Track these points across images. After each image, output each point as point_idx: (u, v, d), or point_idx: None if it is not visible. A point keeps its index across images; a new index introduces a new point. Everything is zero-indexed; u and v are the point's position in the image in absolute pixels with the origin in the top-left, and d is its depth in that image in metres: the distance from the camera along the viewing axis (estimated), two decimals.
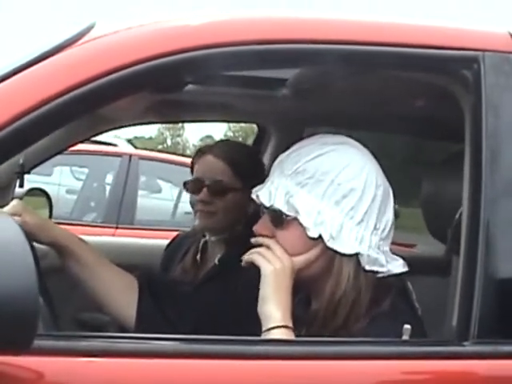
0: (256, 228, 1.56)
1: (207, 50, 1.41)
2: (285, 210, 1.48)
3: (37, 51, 1.40)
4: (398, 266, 1.50)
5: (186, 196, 7.24)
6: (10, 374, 1.11)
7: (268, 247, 1.50)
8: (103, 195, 6.30)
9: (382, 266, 1.47)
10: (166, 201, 7.51)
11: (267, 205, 1.51)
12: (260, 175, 2.13)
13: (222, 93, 2.42)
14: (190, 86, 2.21)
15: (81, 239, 1.78)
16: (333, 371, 1.34)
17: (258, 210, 2.15)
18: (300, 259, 1.49)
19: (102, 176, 6.56)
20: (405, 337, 1.38)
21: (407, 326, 1.38)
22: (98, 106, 1.47)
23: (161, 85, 1.65)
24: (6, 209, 1.72)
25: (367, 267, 1.47)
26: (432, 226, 1.92)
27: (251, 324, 1.62)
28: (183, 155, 9.27)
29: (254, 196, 1.57)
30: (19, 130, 1.29)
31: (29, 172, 2.27)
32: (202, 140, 51.92)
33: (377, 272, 1.48)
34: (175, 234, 4.88)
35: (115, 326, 2.09)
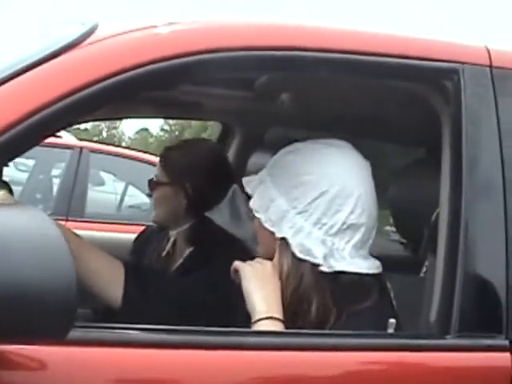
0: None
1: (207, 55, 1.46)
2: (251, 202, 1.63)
3: (40, 52, 1.42)
4: (359, 266, 1.56)
5: (132, 190, 7.10)
6: (44, 363, 1.16)
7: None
8: (50, 187, 6.26)
9: (315, 257, 1.54)
10: (110, 194, 7.48)
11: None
12: (192, 173, 2.33)
13: (190, 92, 2.47)
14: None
15: (63, 226, 1.80)
16: (317, 362, 1.41)
17: (194, 204, 2.31)
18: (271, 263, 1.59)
19: (48, 168, 6.51)
20: (390, 330, 1.46)
21: (392, 320, 1.47)
22: (100, 107, 1.50)
23: (154, 88, 1.68)
24: None
25: (298, 254, 1.55)
26: (401, 227, 2.01)
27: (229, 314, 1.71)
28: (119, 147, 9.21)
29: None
30: (24, 132, 1.31)
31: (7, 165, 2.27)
32: (137, 133, 51.72)
33: (317, 265, 1.54)
34: (122, 227, 4.90)
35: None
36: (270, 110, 2.64)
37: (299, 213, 1.56)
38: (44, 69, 1.37)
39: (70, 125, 1.46)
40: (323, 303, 1.53)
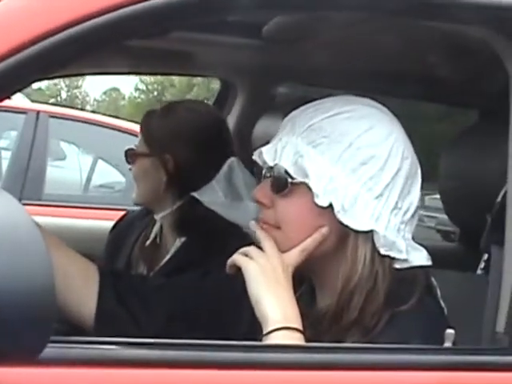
0: (254, 194, 1.60)
1: None
2: (291, 171, 1.52)
3: None
4: (420, 258, 1.55)
5: (102, 165, 7.07)
6: None
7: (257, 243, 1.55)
8: None
9: (400, 252, 1.52)
10: (73, 170, 7.46)
11: (271, 164, 1.55)
12: (173, 142, 2.33)
13: (180, 39, 2.44)
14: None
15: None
16: None
17: (177, 181, 2.31)
18: (294, 253, 1.54)
19: None
20: (447, 343, 1.43)
21: (450, 331, 1.43)
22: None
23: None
24: None
25: (382, 251, 1.51)
26: (455, 212, 1.99)
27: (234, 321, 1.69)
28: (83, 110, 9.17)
29: (255, 156, 1.61)
30: None
31: None
32: (106, 93, 51.52)
33: (394, 259, 1.52)
34: (91, 212, 4.88)
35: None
36: (283, 61, 2.61)
37: (377, 197, 1.51)
38: None
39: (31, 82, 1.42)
40: (374, 304, 1.50)
